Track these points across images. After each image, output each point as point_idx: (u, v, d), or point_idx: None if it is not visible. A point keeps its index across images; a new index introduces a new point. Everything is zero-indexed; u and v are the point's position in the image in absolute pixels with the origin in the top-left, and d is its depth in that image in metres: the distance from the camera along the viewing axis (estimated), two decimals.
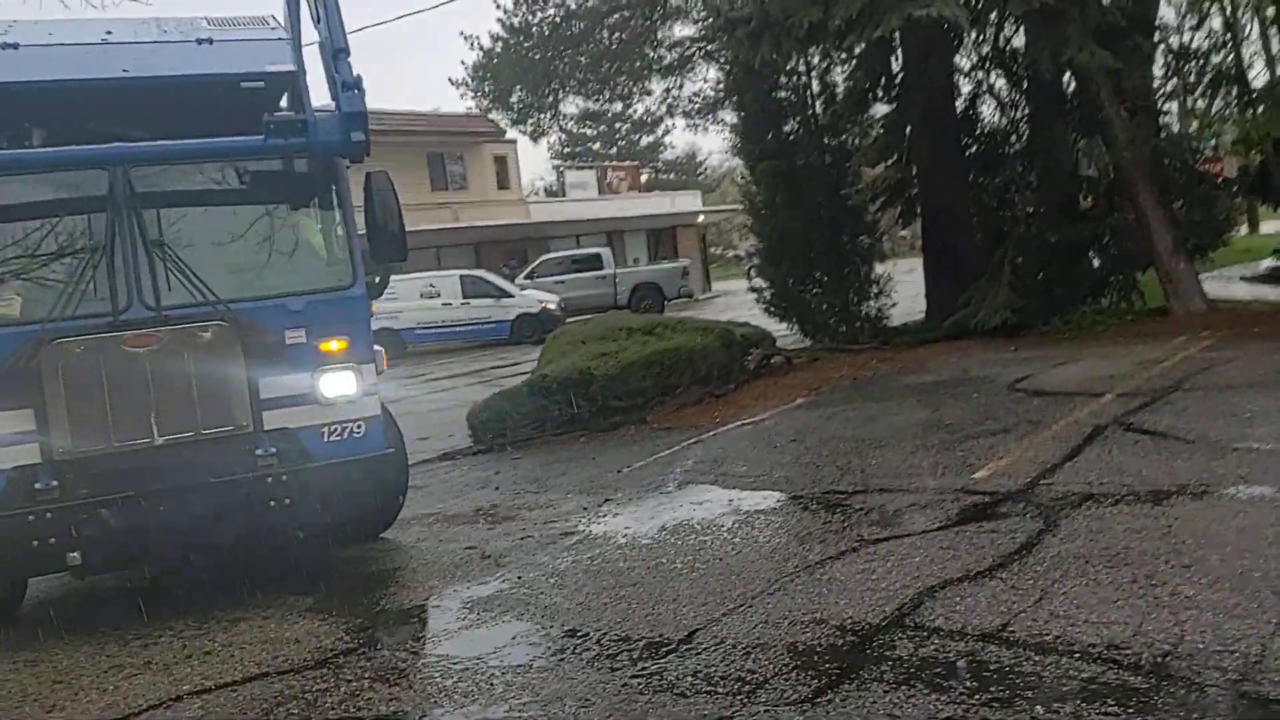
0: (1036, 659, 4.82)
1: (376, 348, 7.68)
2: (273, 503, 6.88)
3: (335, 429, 7.26)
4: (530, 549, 7.88)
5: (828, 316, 17.88)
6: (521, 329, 29.89)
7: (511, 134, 36.46)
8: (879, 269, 18.16)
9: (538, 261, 34.57)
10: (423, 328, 29.85)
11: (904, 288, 18.59)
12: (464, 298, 29.98)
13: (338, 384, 7.26)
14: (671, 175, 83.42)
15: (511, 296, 30.17)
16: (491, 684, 5.36)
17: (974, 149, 17.50)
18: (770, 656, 5.25)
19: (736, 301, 31.52)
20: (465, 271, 31.12)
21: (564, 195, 48.81)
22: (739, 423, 12.11)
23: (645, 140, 77.81)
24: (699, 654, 5.39)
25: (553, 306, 30.36)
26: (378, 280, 7.85)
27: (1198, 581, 5.49)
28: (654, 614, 6.11)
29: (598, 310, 34.11)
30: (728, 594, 6.28)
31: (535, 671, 5.48)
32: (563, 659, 5.62)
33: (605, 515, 8.70)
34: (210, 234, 7.42)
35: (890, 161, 17.58)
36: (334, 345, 7.27)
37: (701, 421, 12.62)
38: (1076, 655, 4.81)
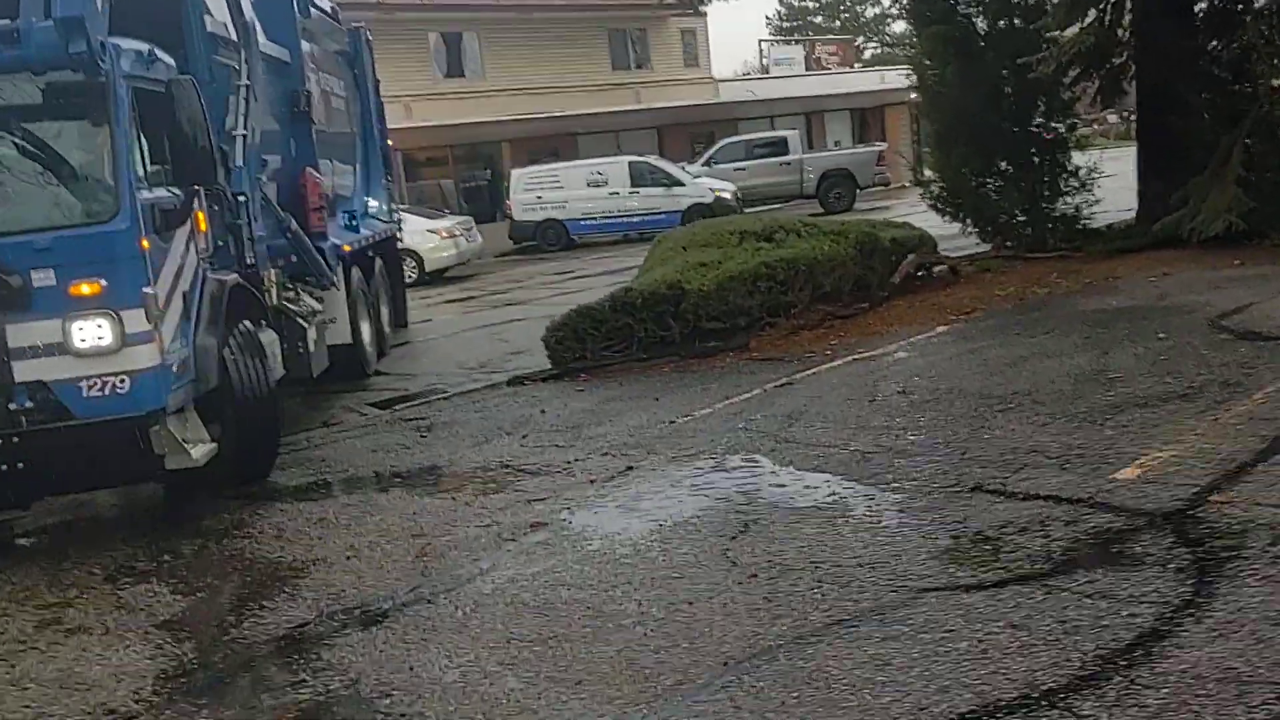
0: None
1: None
2: (21, 464, 6.26)
3: (95, 383, 6.38)
4: (465, 560, 5.86)
5: (1010, 215, 14.76)
6: (693, 220, 27.58)
7: (716, 4, 33.80)
8: (1078, 159, 14.84)
9: (716, 146, 31.91)
10: (588, 218, 28.01)
11: (1113, 183, 15.19)
12: (632, 186, 27.85)
13: (91, 332, 6.27)
14: (897, 50, 77.82)
15: (683, 185, 27.82)
16: None
17: (1204, 4, 13.81)
18: None
19: None
20: (634, 158, 28.91)
21: (766, 73, 45.59)
22: (852, 357, 9.65)
23: (870, 12, 72.47)
24: None
25: (727, 196, 27.86)
26: (178, 207, 6.88)
27: None
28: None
29: (781, 200, 31.54)
30: (649, 686, 4.11)
31: None
32: None
33: (606, 497, 6.60)
34: None
35: (1089, 21, 14.06)
36: (85, 288, 6.22)
37: (811, 350, 10.22)
38: None
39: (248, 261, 8.35)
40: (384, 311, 13.93)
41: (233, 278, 7.92)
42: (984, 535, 5.18)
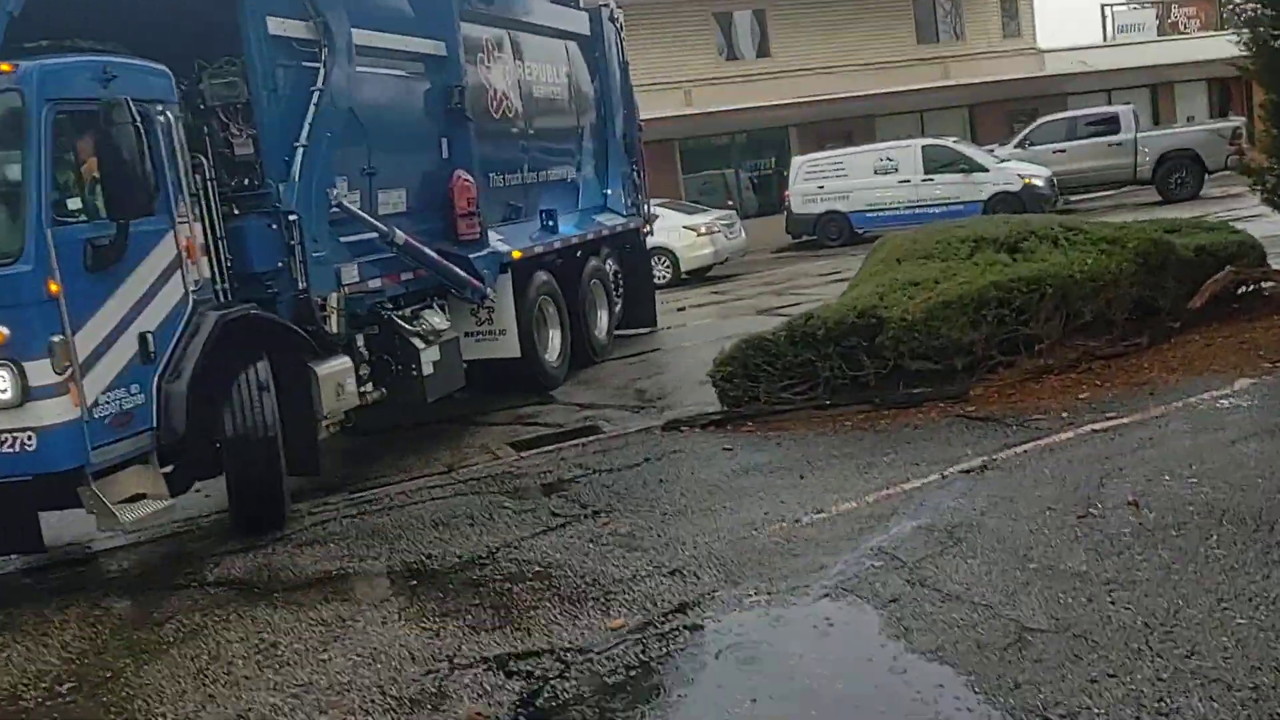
0: None
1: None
2: None
3: (4, 439, 5.76)
4: None
5: None
6: (997, 211, 24.10)
7: None
8: None
9: (1032, 126, 27.88)
10: (874, 210, 25.14)
11: None
12: (925, 173, 24.70)
13: None
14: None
15: (985, 171, 24.35)
16: None
17: None
18: None
19: None
20: (929, 141, 25.67)
21: (1110, 41, 40.32)
22: (1094, 424, 6.83)
23: None
24: None
25: (1039, 183, 24.17)
26: (110, 242, 5.97)
27: None
28: None
29: (1109, 186, 27.23)
30: None
31: None
32: None
33: (614, 664, 4.39)
34: None
35: None
36: None
37: (1045, 408, 7.47)
38: None
39: (299, 286, 7.48)
40: (600, 316, 12.69)
41: (239, 310, 6.90)
42: None
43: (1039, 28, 34.26)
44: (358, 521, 7.20)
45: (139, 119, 6.02)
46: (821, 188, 25.51)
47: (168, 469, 6.58)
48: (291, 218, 7.35)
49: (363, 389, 8.37)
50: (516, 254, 10.43)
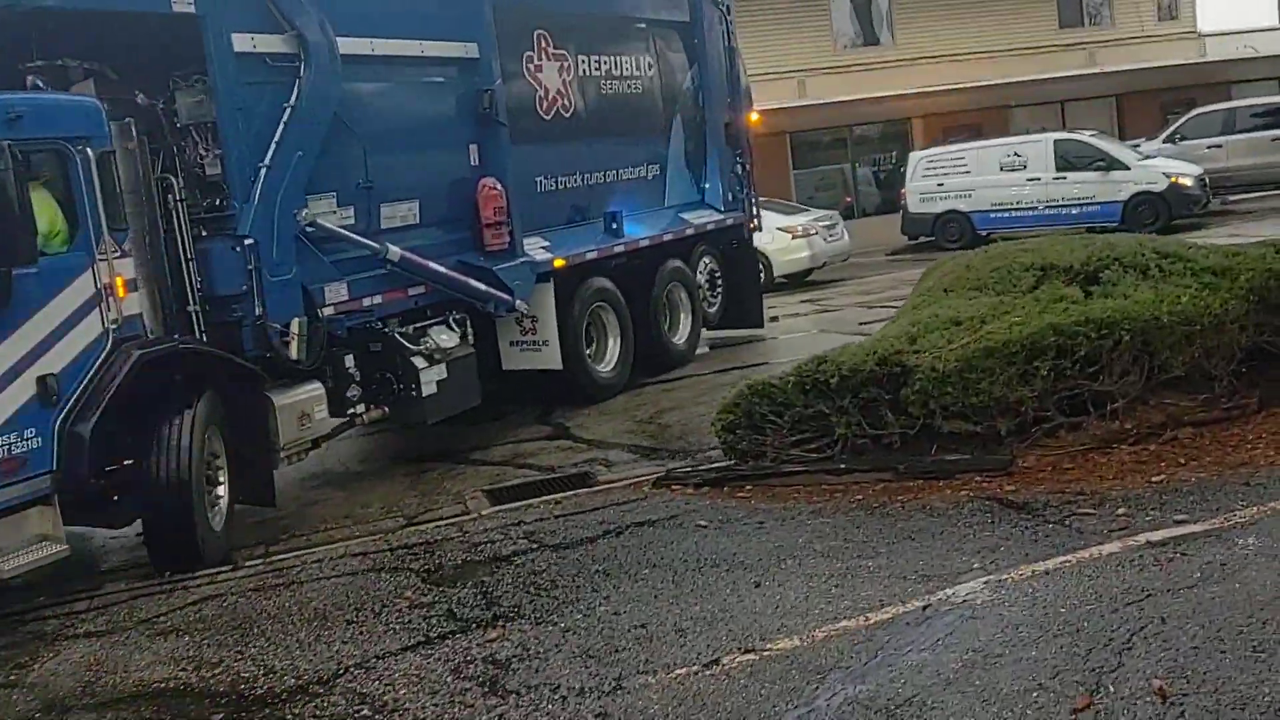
0: None
1: None
2: None
3: None
4: None
5: None
6: (1138, 213, 21.79)
7: None
8: None
9: (1184, 119, 25.07)
10: (999, 210, 22.98)
11: None
12: (1058, 171, 22.38)
13: None
14: None
15: (1126, 169, 21.89)
16: None
17: None
18: None
19: None
20: (1062, 135, 23.26)
21: None
22: (1155, 532, 5.11)
23: None
24: None
25: (1188, 182, 21.66)
26: None
27: None
28: None
29: (1275, 186, 24.31)
30: None
31: None
32: None
33: None
34: None
35: None
36: None
37: (1107, 491, 5.83)
38: None
39: (256, 312, 7.24)
40: (681, 322, 12.06)
41: (163, 347, 6.73)
42: None
43: (1200, 9, 31.09)
44: (242, 602, 6.05)
45: (21, 161, 5.88)
46: (941, 185, 23.46)
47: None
48: (247, 241, 7.11)
49: (351, 410, 8.26)
50: (559, 263, 9.94)
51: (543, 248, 9.90)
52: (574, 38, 10.64)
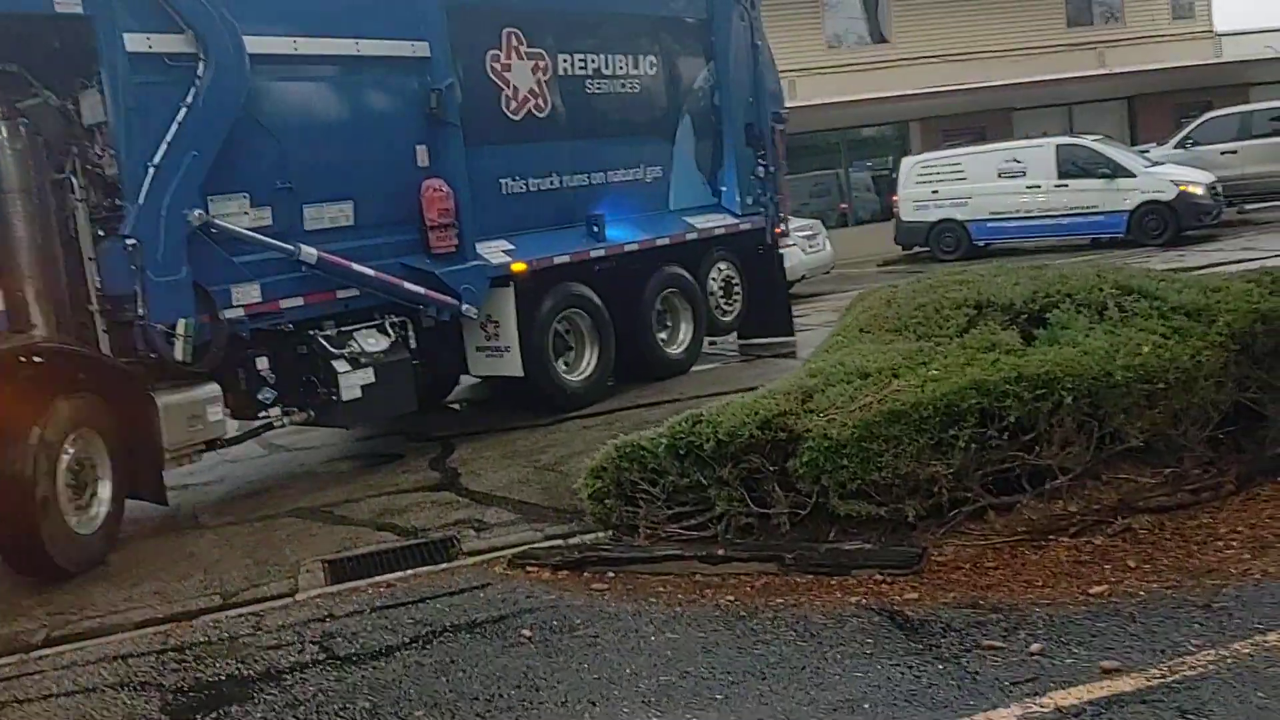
0: None
1: None
2: None
3: None
4: None
5: None
6: (1145, 224, 20.47)
7: None
8: None
9: (1196, 123, 23.55)
10: (997, 219, 21.67)
11: None
12: (1059, 178, 21.03)
13: None
14: None
15: (1131, 176, 20.50)
16: None
17: None
18: None
19: None
20: (1064, 140, 21.80)
21: None
22: (1071, 690, 3.80)
23: None
24: None
25: (1198, 190, 20.27)
26: None
27: None
28: None
29: None
30: None
31: None
32: None
33: None
34: None
35: None
36: None
37: (1025, 610, 4.53)
38: None
39: (139, 312, 7.28)
40: (680, 330, 11.65)
41: (16, 344, 6.70)
42: None
43: (1216, 7, 29.58)
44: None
45: None
46: (936, 192, 22.20)
47: None
48: (130, 242, 7.12)
49: (263, 414, 8.30)
50: (518, 267, 9.67)
51: (504, 251, 9.68)
52: (553, 36, 10.32)
